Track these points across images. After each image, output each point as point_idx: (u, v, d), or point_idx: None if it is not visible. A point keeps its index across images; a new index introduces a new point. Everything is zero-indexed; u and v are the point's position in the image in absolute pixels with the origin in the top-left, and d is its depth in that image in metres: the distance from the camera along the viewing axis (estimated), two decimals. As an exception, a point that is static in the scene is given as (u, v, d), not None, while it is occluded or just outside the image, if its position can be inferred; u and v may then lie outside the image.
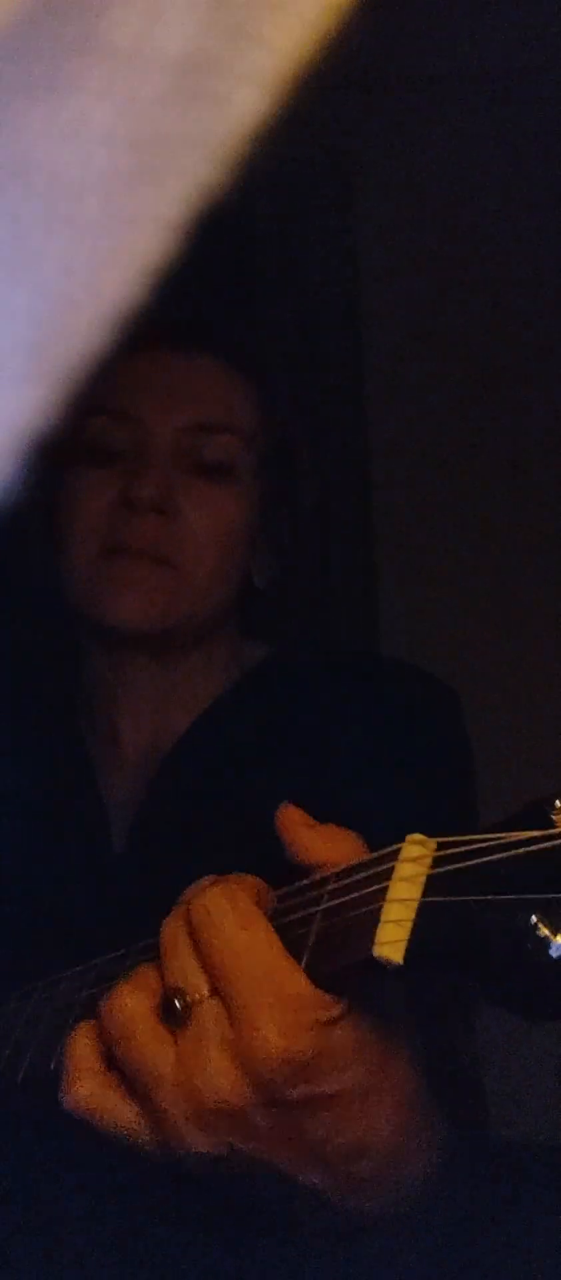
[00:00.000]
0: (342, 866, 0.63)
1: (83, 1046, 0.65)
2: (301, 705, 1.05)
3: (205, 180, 0.33)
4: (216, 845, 0.99)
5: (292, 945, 0.61)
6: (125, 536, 1.00)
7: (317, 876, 0.64)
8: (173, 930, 0.63)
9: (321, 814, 0.96)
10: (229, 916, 0.61)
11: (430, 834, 1.02)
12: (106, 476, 1.02)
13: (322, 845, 0.66)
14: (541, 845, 0.53)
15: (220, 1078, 0.59)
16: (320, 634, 1.68)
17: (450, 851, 0.57)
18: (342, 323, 2.09)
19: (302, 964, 0.60)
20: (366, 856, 0.62)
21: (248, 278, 1.10)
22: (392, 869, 0.59)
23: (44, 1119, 0.66)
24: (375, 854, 0.61)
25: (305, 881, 0.64)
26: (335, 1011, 0.59)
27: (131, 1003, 0.62)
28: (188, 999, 0.61)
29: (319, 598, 1.99)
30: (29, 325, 0.33)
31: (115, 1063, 0.63)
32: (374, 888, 0.59)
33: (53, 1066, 0.69)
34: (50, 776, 1.06)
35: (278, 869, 0.95)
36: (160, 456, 1.02)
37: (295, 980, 0.59)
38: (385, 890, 0.58)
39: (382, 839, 0.95)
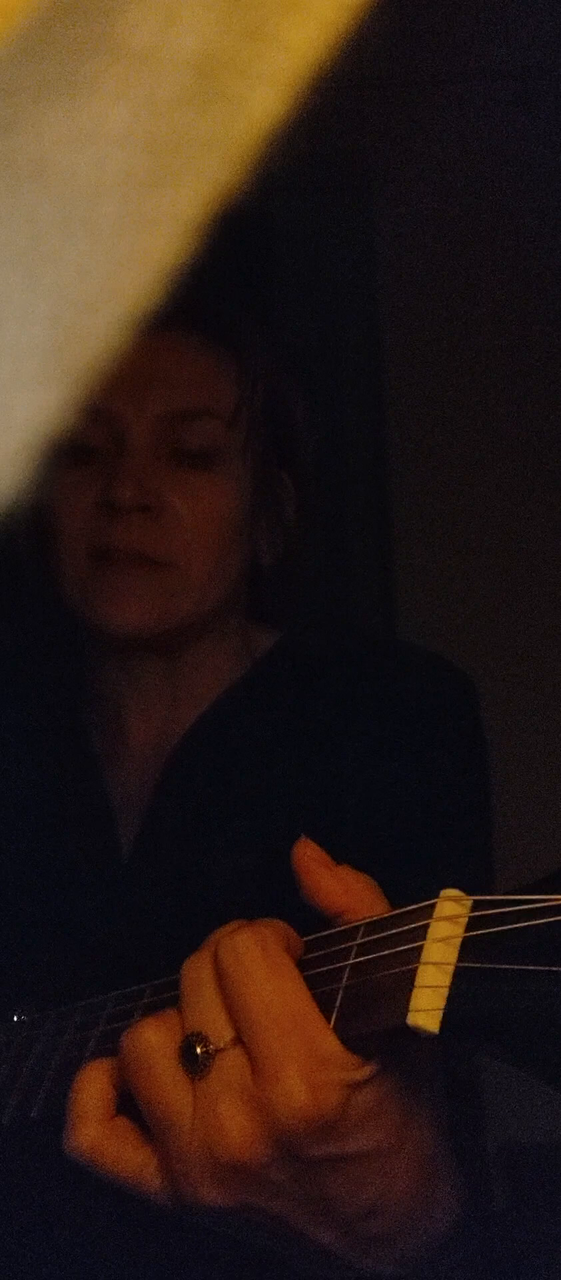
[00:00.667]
0: (370, 918, 0.60)
1: (89, 1089, 0.62)
2: (312, 697, 1.02)
3: (222, 182, 0.33)
4: (226, 844, 0.97)
5: (320, 1001, 0.58)
6: (111, 540, 0.97)
7: (345, 926, 0.61)
8: (197, 970, 0.60)
9: (332, 810, 0.95)
10: (259, 963, 0.58)
11: (445, 832, 1.00)
12: (86, 476, 0.98)
13: (340, 890, 0.63)
14: None
15: (238, 1131, 0.56)
16: (336, 616, 1.66)
17: (487, 913, 0.54)
18: (360, 319, 2.09)
19: (331, 1022, 0.58)
20: (395, 910, 0.59)
21: (215, 254, 1.06)
22: (427, 928, 0.56)
23: (59, 1157, 0.64)
24: (407, 909, 0.58)
25: (331, 931, 0.61)
26: (363, 1074, 0.57)
27: (154, 1039, 0.59)
28: (210, 1045, 0.58)
29: (334, 580, 1.99)
30: (45, 327, 0.33)
31: (129, 1102, 0.61)
32: (407, 947, 0.56)
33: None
34: (55, 776, 1.04)
35: (287, 867, 0.94)
36: (138, 451, 0.97)
37: (325, 1037, 0.57)
38: (419, 951, 0.55)
39: (393, 834, 0.94)
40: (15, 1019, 0.78)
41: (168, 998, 0.66)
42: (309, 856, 0.64)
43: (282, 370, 1.06)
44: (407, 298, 2.06)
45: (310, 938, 0.62)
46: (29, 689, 1.09)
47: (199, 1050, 0.58)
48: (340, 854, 0.95)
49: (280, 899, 0.92)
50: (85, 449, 0.99)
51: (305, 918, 0.64)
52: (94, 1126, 0.61)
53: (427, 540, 2.06)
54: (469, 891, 1.01)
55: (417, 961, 0.55)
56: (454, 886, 0.95)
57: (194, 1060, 0.58)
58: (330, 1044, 0.57)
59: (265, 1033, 0.56)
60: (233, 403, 1.00)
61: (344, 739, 0.99)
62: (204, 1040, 0.58)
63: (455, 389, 2.07)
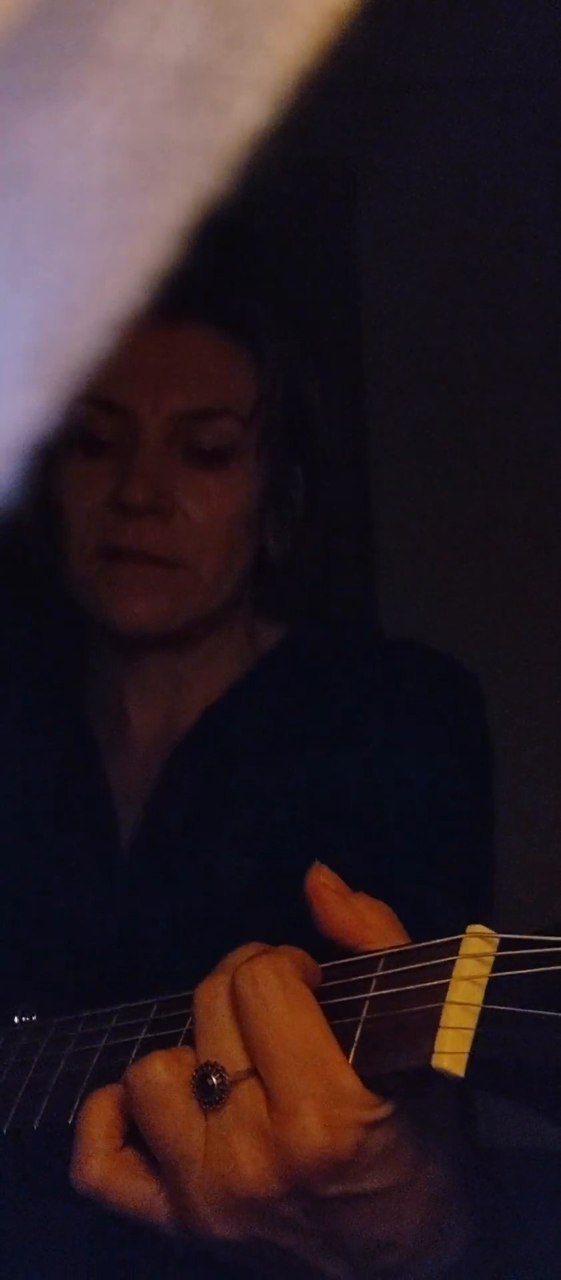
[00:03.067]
0: (391, 949, 0.58)
1: (96, 1120, 0.61)
2: (317, 692, 1.01)
3: (206, 186, 0.33)
4: (227, 840, 0.96)
5: (338, 1033, 0.56)
6: (122, 540, 0.95)
7: (364, 956, 0.59)
8: (211, 997, 0.58)
9: (335, 807, 0.95)
10: (278, 994, 0.56)
11: (448, 831, 0.99)
12: (98, 469, 0.97)
13: (356, 923, 0.60)
14: None
15: (252, 1166, 0.55)
16: (320, 609, 1.66)
17: (514, 953, 0.52)
18: (343, 324, 2.09)
19: (349, 1057, 0.56)
20: (417, 943, 0.57)
21: (232, 249, 1.04)
22: (452, 965, 0.54)
23: (61, 1171, 0.63)
24: (431, 943, 0.56)
25: (350, 960, 0.59)
26: (381, 1114, 0.55)
27: (164, 1074, 0.58)
28: (225, 1076, 0.56)
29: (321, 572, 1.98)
30: (30, 332, 0.33)
31: (137, 1135, 0.59)
32: (431, 984, 0.54)
33: (70, 1121, 0.66)
34: (55, 765, 1.03)
35: (290, 865, 0.93)
36: (152, 449, 0.96)
37: (343, 1074, 0.55)
38: (444, 989, 0.53)
39: (396, 832, 0.93)
40: (15, 1020, 0.77)
41: (175, 1015, 0.64)
42: (323, 885, 0.61)
43: (302, 362, 1.04)
44: (391, 303, 2.07)
45: (327, 965, 0.60)
46: (31, 677, 1.08)
47: (214, 1080, 0.56)
48: (343, 852, 0.94)
49: (283, 898, 0.91)
50: (97, 441, 0.97)
51: (309, 922, 0.62)
52: (102, 1159, 0.60)
53: (409, 544, 2.07)
54: (471, 892, 1.00)
55: (443, 1000, 0.53)
56: (455, 886, 0.95)
57: (208, 1091, 0.56)
58: (348, 1081, 0.55)
59: (282, 1067, 0.55)
60: (251, 401, 0.99)
61: (348, 735, 0.98)
62: (219, 1070, 0.56)
63: (438, 393, 2.08)
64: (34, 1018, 0.77)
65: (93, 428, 0.97)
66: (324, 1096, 0.54)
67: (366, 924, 0.60)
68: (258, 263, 1.05)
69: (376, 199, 2.06)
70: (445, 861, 0.95)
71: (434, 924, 0.90)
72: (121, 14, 0.31)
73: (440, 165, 1.99)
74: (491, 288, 2.05)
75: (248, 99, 0.32)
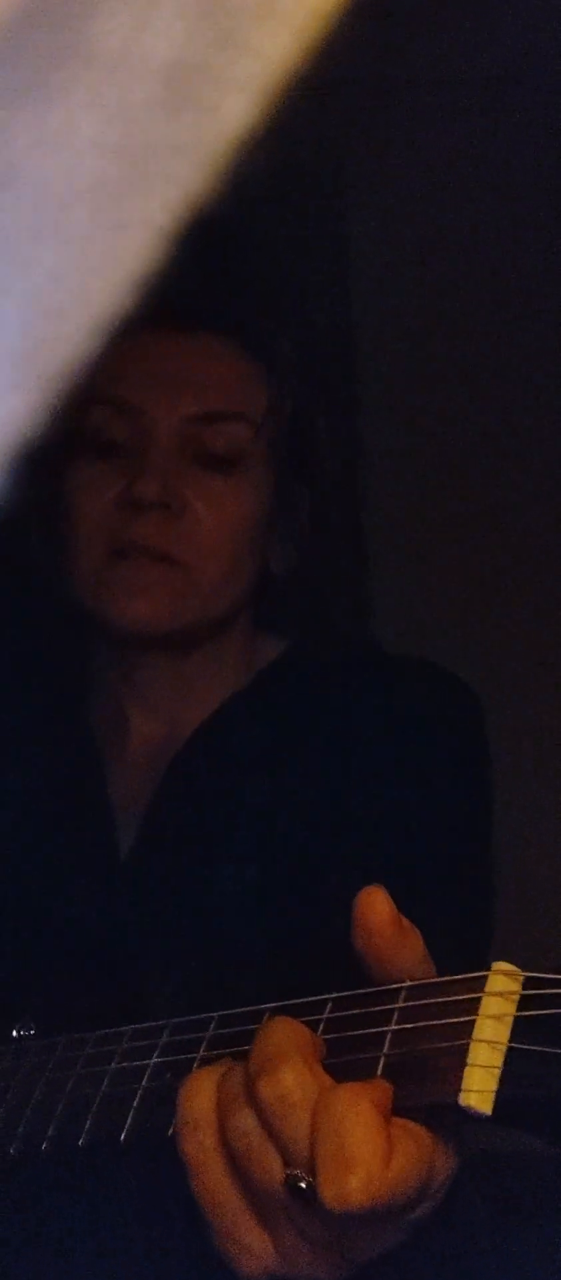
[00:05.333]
0: (413, 981, 0.57)
1: (197, 1099, 0.59)
2: (316, 704, 1.02)
3: (194, 188, 0.33)
4: (225, 851, 0.97)
5: (361, 1066, 0.56)
6: (130, 536, 0.96)
7: (385, 987, 0.58)
8: (298, 1114, 0.56)
9: (334, 822, 0.95)
10: (350, 1123, 0.54)
11: (447, 847, 0.99)
12: (109, 470, 0.98)
13: (402, 956, 0.58)
14: None
15: (366, 1243, 0.55)
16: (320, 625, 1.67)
17: (539, 992, 0.52)
18: (333, 325, 2.09)
19: None
20: (442, 978, 0.57)
21: (246, 263, 1.05)
22: (478, 1003, 0.54)
23: (67, 1194, 0.62)
24: (454, 978, 0.56)
25: (371, 990, 0.58)
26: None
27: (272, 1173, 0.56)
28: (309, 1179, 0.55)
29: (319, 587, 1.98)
30: (18, 333, 0.33)
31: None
32: (457, 1020, 0.54)
33: (81, 1143, 0.66)
34: (57, 772, 1.03)
35: (286, 873, 0.94)
36: (164, 449, 0.97)
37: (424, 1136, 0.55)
38: (471, 1026, 0.53)
39: (395, 848, 0.94)
40: (14, 1033, 0.77)
41: (187, 1039, 0.64)
42: (381, 908, 0.58)
43: (311, 386, 1.06)
44: (382, 303, 2.07)
45: (346, 995, 0.59)
46: (36, 685, 1.09)
47: (303, 1185, 0.55)
48: (340, 866, 0.94)
49: (281, 910, 0.92)
50: (110, 443, 0.98)
51: (307, 933, 0.61)
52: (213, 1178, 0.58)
53: (406, 560, 2.07)
54: (470, 909, 1.00)
55: (469, 1038, 0.53)
56: (455, 903, 0.96)
57: (300, 1193, 0.55)
58: (424, 1139, 0.55)
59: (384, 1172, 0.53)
60: (260, 409, 1.00)
61: (347, 749, 0.99)
62: (302, 1178, 0.55)
63: (433, 400, 2.08)
64: (32, 1031, 0.77)
65: (106, 429, 0.98)
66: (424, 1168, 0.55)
67: (409, 950, 0.58)
68: (266, 274, 1.07)
69: (366, 201, 2.06)
70: (444, 877, 0.96)
71: (431, 940, 0.91)
72: (109, 16, 0.31)
73: (430, 166, 1.99)
74: (484, 289, 2.06)
75: (236, 100, 0.32)
